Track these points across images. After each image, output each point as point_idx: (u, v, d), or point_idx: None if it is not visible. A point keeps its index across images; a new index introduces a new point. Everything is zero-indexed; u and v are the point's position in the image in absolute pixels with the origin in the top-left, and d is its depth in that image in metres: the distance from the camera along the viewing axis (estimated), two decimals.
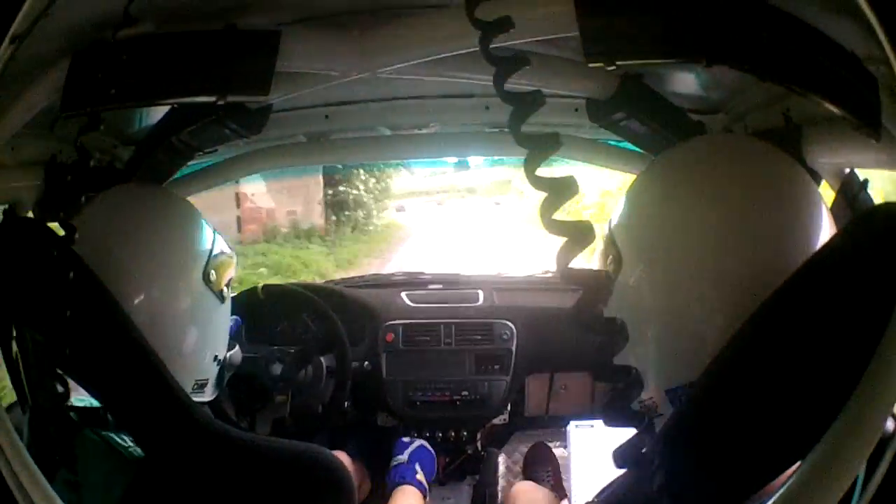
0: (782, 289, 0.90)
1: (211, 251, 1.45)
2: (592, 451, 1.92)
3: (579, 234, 0.82)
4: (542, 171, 0.85)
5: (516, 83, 0.91)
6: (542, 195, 0.84)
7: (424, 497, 2.06)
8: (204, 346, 1.44)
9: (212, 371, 1.48)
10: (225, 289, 1.48)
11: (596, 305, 0.83)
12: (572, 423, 2.07)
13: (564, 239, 0.84)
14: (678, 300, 1.02)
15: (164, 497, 1.22)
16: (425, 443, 2.28)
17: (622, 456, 1.00)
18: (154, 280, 1.34)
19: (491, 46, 0.88)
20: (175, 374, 1.28)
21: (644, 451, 0.99)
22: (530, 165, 0.83)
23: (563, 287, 3.08)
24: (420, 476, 2.10)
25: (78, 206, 1.41)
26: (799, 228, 1.00)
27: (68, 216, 1.23)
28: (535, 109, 0.83)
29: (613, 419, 1.02)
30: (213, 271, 1.43)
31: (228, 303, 1.52)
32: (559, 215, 0.84)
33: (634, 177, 1.21)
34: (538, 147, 0.82)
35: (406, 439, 2.35)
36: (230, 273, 1.50)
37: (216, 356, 1.48)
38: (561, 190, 0.81)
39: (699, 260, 1.01)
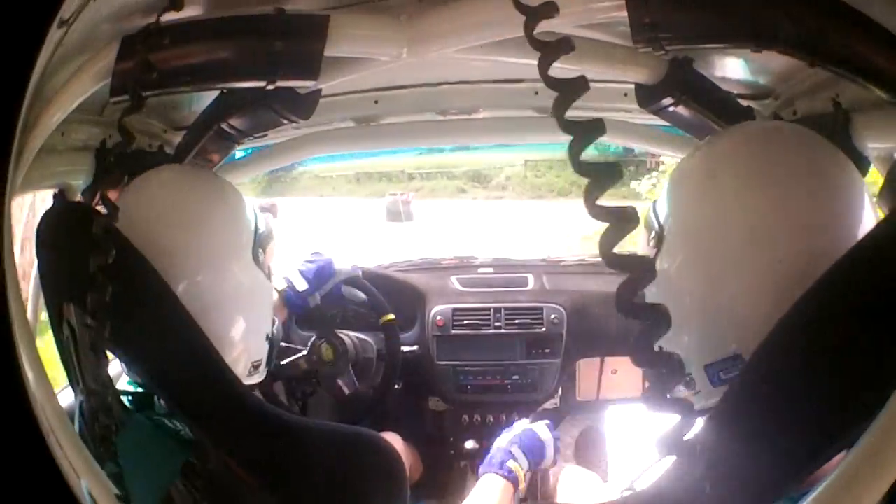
0: (830, 273, 0.89)
1: (256, 230, 1.46)
2: (628, 430, 1.90)
3: (623, 220, 0.81)
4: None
5: (564, 68, 0.90)
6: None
7: (515, 489, 1.89)
8: (258, 327, 1.46)
9: (264, 350, 1.49)
10: (270, 265, 1.50)
11: (638, 291, 0.82)
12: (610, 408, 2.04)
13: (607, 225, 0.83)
14: (719, 281, 1.05)
15: (216, 480, 1.23)
16: (535, 427, 2.11)
17: (666, 443, 0.99)
18: (208, 262, 1.35)
19: (538, 32, 0.86)
20: (233, 357, 1.32)
21: (687, 437, 0.98)
22: (574, 150, 0.82)
23: (614, 271, 3.06)
24: (513, 464, 1.92)
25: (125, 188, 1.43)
26: (841, 216, 1.02)
27: (114, 198, 1.24)
28: (579, 95, 0.82)
29: (655, 406, 1.02)
30: (260, 250, 1.45)
31: (272, 279, 1.54)
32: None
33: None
34: (582, 132, 0.81)
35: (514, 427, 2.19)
36: (273, 250, 1.52)
37: (267, 335, 1.50)
38: (605, 176, 0.80)
39: (741, 243, 1.03)
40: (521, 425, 2.07)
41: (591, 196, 0.78)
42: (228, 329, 1.37)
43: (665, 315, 0.80)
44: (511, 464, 1.88)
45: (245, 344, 1.41)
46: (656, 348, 0.84)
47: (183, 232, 1.34)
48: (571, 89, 0.82)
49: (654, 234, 1.18)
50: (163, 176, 1.45)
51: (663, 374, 0.90)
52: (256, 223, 1.47)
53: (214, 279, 1.35)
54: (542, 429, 2.05)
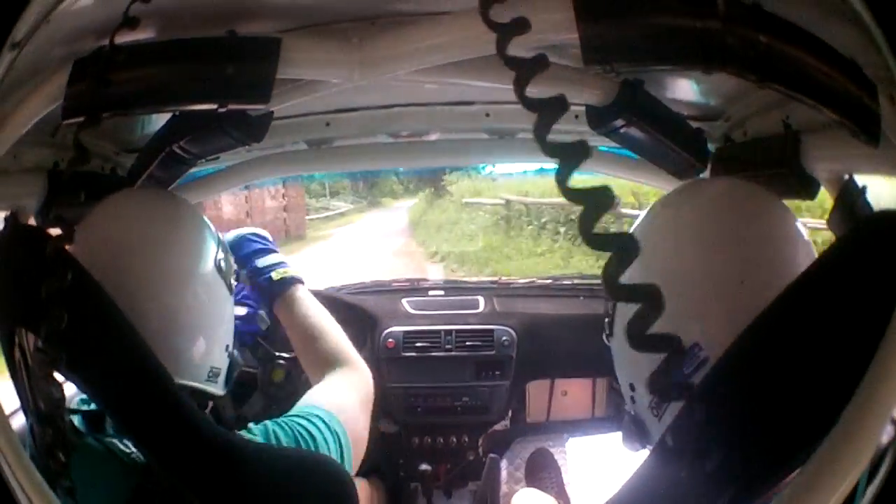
0: (786, 293, 0.93)
1: (219, 244, 1.49)
2: (589, 462, 1.93)
3: (624, 248, 0.80)
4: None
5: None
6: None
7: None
8: (219, 335, 1.47)
9: (224, 362, 1.49)
10: (233, 281, 1.52)
11: (650, 322, 0.81)
12: (570, 439, 2.07)
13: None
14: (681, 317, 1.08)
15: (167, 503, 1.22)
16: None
17: (659, 384, 1.01)
18: (170, 281, 1.37)
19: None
20: (192, 361, 1.34)
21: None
22: (562, 176, 0.82)
23: (563, 293, 3.11)
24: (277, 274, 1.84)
25: (79, 210, 1.42)
26: (787, 263, 1.07)
27: (69, 221, 1.23)
28: (559, 116, 0.82)
29: (665, 393, 1.03)
30: (222, 261, 1.47)
31: (232, 296, 1.54)
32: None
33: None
34: (567, 156, 0.81)
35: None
36: (233, 269, 1.54)
37: (227, 346, 1.51)
38: (597, 201, 0.79)
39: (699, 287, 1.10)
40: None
41: (586, 225, 0.77)
42: (191, 340, 1.38)
43: (657, 295, 0.80)
44: (275, 275, 1.84)
45: (204, 348, 1.41)
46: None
47: (144, 255, 1.36)
48: (552, 109, 0.82)
49: None
50: (121, 201, 1.46)
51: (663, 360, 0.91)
52: (218, 239, 1.50)
53: (176, 296, 1.37)
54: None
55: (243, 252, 1.85)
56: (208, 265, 1.44)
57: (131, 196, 1.55)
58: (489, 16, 0.83)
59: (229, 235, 1.86)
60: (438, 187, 25.04)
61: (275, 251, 1.89)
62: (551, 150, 0.80)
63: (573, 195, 0.78)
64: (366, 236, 21.46)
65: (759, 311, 0.94)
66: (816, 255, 1.08)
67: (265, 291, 1.84)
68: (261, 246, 1.88)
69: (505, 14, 0.84)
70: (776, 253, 1.11)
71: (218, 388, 1.47)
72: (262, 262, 1.85)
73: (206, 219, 1.51)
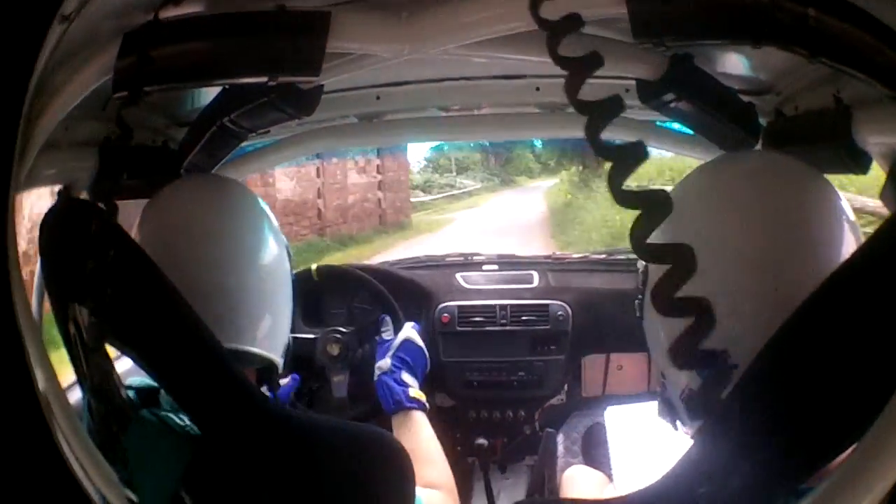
0: (832, 279, 0.90)
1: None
2: (631, 430, 1.90)
3: (655, 206, 0.78)
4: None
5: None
6: None
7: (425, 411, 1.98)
8: (289, 313, 1.57)
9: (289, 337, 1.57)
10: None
11: (680, 284, 0.79)
12: (609, 408, 2.05)
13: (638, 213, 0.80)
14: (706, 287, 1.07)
15: (223, 478, 1.23)
16: (411, 332, 2.19)
17: (699, 403, 1.00)
18: (242, 265, 1.45)
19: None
20: (278, 336, 1.42)
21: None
22: (616, 181, 0.79)
23: (618, 268, 3.08)
24: (413, 391, 1.99)
25: (131, 185, 1.45)
26: (827, 244, 1.08)
27: (119, 194, 1.25)
28: (614, 118, 0.81)
29: (686, 363, 1.02)
30: (287, 246, 1.56)
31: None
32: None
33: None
34: (600, 111, 0.79)
35: (385, 330, 2.27)
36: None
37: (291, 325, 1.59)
38: (629, 156, 0.77)
39: (730, 263, 1.10)
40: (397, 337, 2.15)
41: (616, 181, 0.76)
42: (276, 316, 1.49)
43: (689, 255, 0.78)
44: (412, 392, 1.98)
45: (283, 330, 1.52)
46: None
47: (232, 243, 1.45)
48: (585, 66, 0.80)
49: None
50: (190, 186, 1.55)
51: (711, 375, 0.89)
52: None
53: (271, 277, 1.49)
54: (411, 333, 2.16)
55: (398, 355, 2.07)
56: (281, 249, 1.54)
57: (204, 183, 1.63)
58: (539, 13, 0.82)
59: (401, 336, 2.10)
60: (590, 164, 19.73)
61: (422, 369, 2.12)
62: (602, 150, 0.80)
63: (603, 150, 0.79)
64: (489, 224, 18.01)
65: (792, 295, 0.92)
66: (861, 236, 1.09)
67: (394, 397, 1.96)
68: (416, 362, 2.09)
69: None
70: (815, 231, 1.10)
71: (281, 363, 1.53)
72: (407, 377, 2.02)
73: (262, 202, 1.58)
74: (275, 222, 1.56)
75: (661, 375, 1.25)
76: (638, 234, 0.78)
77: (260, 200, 1.58)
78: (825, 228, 1.10)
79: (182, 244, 1.37)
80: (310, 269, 2.63)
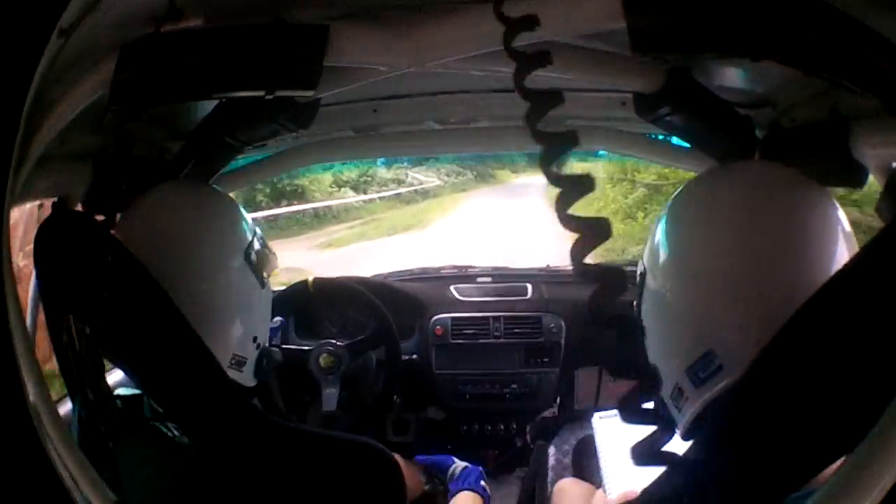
0: (827, 285, 0.92)
1: (254, 237, 1.51)
2: (620, 440, 1.91)
3: (595, 231, 0.83)
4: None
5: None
6: None
7: None
8: (243, 324, 1.48)
9: (251, 352, 1.50)
10: (265, 276, 1.53)
11: (611, 302, 0.85)
12: (596, 415, 2.06)
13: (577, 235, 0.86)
14: (697, 298, 1.13)
15: (212, 488, 1.23)
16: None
17: (640, 453, 1.02)
18: (202, 271, 1.41)
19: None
20: (213, 347, 1.31)
21: (664, 448, 1.02)
22: (546, 162, 0.84)
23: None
24: (485, 484, 2.10)
25: (125, 198, 1.45)
26: (820, 254, 1.07)
27: (115, 208, 1.25)
28: (552, 107, 0.85)
29: (629, 417, 1.05)
30: (254, 253, 1.49)
31: (269, 293, 1.57)
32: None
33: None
34: (556, 143, 0.83)
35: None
36: (271, 264, 1.55)
37: (255, 337, 1.51)
38: (577, 186, 0.82)
39: (721, 273, 1.10)
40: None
41: (562, 206, 0.80)
42: (210, 318, 1.40)
43: (637, 325, 0.83)
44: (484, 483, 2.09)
45: (225, 335, 1.44)
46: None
47: (179, 245, 1.40)
48: (545, 101, 0.84)
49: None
50: (159, 194, 1.50)
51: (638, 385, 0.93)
52: (256, 233, 1.53)
53: (204, 273, 1.41)
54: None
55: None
56: (234, 257, 1.46)
57: (166, 189, 1.57)
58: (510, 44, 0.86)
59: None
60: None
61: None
62: (539, 136, 0.85)
63: (556, 179, 0.84)
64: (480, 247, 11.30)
65: (782, 306, 0.94)
66: (856, 246, 1.08)
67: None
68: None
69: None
70: (808, 241, 1.10)
71: (243, 378, 1.48)
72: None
73: (244, 213, 1.55)
74: (243, 229, 1.52)
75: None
76: (575, 253, 0.84)
77: (233, 203, 1.57)
78: (820, 237, 1.10)
79: (148, 251, 1.31)
80: (305, 281, 2.64)
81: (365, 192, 19.54)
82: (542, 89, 0.87)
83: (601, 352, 2.69)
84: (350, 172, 18.27)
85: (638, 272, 1.28)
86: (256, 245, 1.51)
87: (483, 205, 18.79)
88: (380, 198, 19.69)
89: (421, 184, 21.81)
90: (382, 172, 19.76)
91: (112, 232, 1.33)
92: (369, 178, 20.05)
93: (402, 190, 21.01)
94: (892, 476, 0.74)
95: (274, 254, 1.58)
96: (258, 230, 1.56)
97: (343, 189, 18.89)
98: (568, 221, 0.83)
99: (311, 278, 2.64)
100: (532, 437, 2.88)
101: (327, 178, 17.57)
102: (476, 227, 15.04)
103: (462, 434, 2.84)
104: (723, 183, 1.24)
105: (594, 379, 2.90)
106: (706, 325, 1.10)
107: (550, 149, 0.85)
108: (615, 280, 0.86)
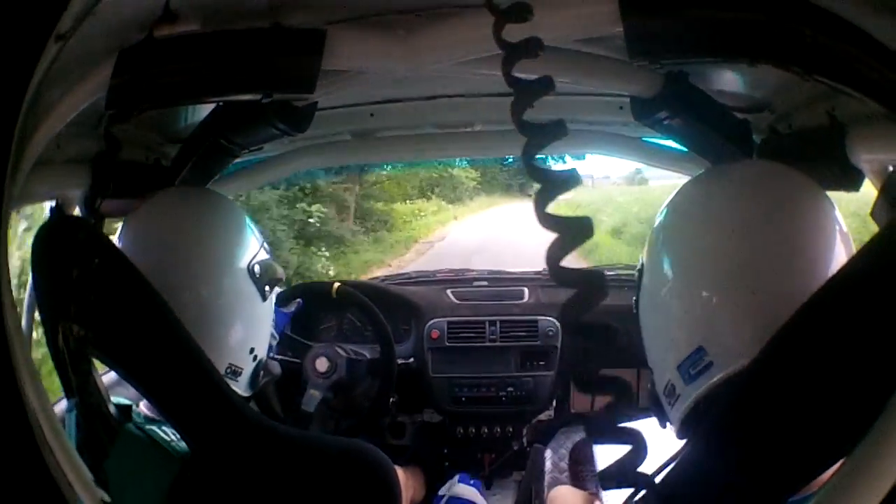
0: (826, 287, 0.92)
1: (259, 249, 1.51)
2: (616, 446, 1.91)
3: (574, 231, 0.82)
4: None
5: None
6: None
7: None
8: (241, 334, 1.48)
9: (247, 362, 1.50)
10: (267, 289, 1.52)
11: (587, 308, 0.83)
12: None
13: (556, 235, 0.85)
14: (689, 296, 1.13)
15: (210, 492, 1.24)
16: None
17: (610, 475, 1.03)
18: (200, 265, 1.42)
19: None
20: (208, 353, 1.31)
21: (638, 469, 1.03)
22: (528, 154, 0.84)
23: (610, 285, 3.07)
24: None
25: (122, 201, 1.45)
26: (816, 253, 1.07)
27: (111, 211, 1.25)
28: (539, 97, 0.84)
29: (600, 434, 1.05)
30: (257, 265, 1.48)
31: (271, 306, 1.57)
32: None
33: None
34: (540, 135, 0.82)
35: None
36: (276, 276, 1.55)
37: (252, 349, 1.51)
38: (560, 182, 0.81)
39: (715, 273, 1.11)
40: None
41: (541, 203, 0.79)
42: (206, 326, 1.40)
43: (614, 335, 0.82)
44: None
45: (222, 343, 1.44)
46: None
47: (180, 250, 1.42)
48: (531, 91, 0.83)
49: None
50: (166, 199, 1.52)
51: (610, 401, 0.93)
52: (261, 245, 1.54)
53: (203, 281, 1.42)
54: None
55: None
56: (236, 266, 1.47)
57: (171, 195, 1.59)
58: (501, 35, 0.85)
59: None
60: None
61: None
62: (524, 127, 0.84)
63: (536, 173, 0.84)
64: None
65: (778, 307, 0.94)
66: (853, 247, 1.08)
67: None
68: None
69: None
70: (805, 241, 1.10)
71: (238, 387, 1.48)
72: None
73: (252, 224, 1.55)
74: (248, 239, 1.52)
75: (650, 370, 1.29)
76: (552, 254, 0.83)
77: (240, 213, 1.57)
78: (815, 236, 1.10)
79: (150, 255, 1.34)
80: (331, 283, 2.63)
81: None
82: (529, 78, 0.86)
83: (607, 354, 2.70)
84: None
85: (637, 268, 1.29)
86: (261, 257, 1.51)
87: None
88: None
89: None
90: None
91: (113, 237, 1.33)
92: None
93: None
94: (892, 476, 0.75)
95: (280, 268, 1.57)
96: (266, 244, 1.56)
97: None
98: (545, 220, 0.82)
99: (336, 284, 2.63)
100: (528, 441, 2.87)
101: None
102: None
103: (458, 437, 2.83)
104: (719, 182, 1.25)
105: None
106: (697, 321, 1.11)
107: (534, 140, 0.84)
108: (594, 286, 0.84)
